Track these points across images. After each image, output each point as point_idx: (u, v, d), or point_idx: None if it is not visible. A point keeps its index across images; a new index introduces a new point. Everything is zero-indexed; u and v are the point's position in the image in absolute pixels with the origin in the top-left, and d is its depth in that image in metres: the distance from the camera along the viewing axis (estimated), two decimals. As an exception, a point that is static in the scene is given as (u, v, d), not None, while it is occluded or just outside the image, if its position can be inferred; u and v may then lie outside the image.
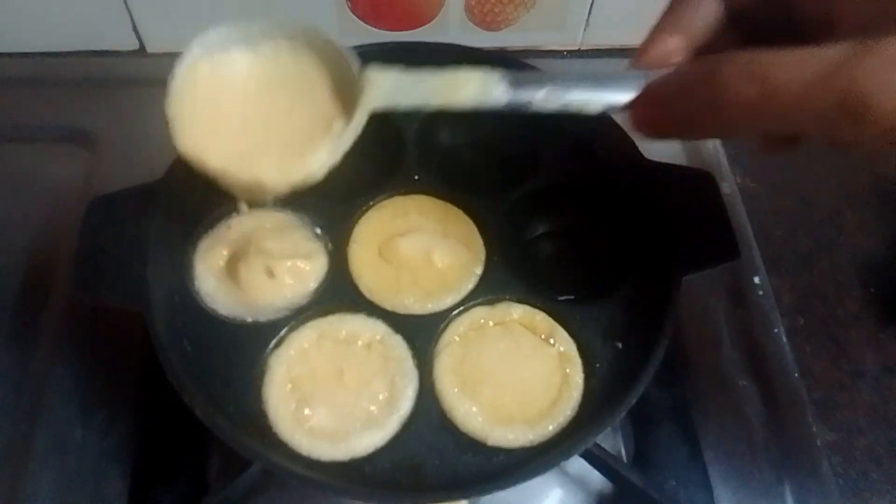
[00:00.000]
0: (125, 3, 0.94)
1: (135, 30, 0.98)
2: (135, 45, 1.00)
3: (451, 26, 1.00)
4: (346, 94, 0.56)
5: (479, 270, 0.71)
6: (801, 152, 0.94)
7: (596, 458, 0.65)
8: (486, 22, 1.01)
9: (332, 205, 0.74)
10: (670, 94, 0.45)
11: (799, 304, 0.84)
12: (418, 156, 0.77)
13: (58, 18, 0.96)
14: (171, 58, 0.98)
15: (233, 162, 0.54)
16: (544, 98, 0.51)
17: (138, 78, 0.96)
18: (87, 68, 0.98)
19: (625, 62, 1.00)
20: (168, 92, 0.55)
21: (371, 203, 0.74)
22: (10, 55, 0.99)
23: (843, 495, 0.73)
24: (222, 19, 0.95)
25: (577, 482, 0.71)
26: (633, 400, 0.60)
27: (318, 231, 0.73)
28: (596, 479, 0.70)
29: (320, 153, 0.54)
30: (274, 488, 0.69)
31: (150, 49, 1.01)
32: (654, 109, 0.46)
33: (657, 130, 0.47)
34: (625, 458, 0.72)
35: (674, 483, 0.69)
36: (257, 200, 0.57)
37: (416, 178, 0.76)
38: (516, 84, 0.52)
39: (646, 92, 0.47)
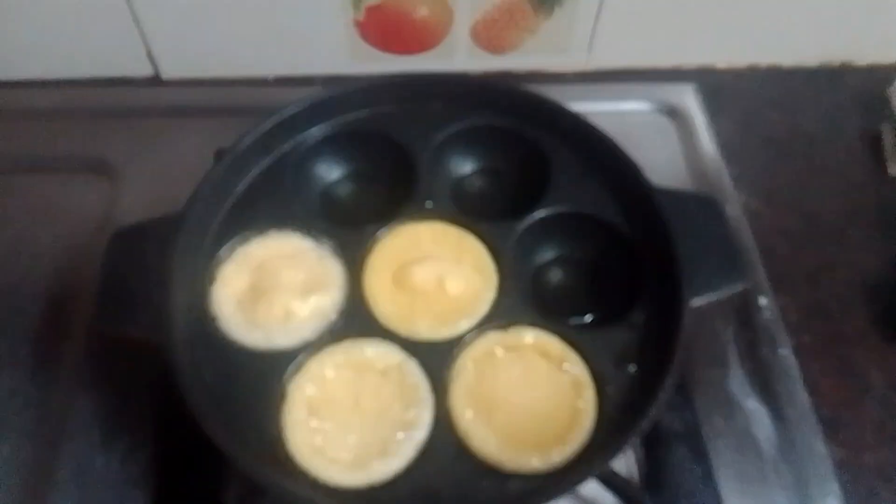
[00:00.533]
0: (139, 29, 0.96)
1: (149, 56, 1.00)
2: (149, 72, 1.02)
3: (457, 50, 1.02)
4: None
5: (491, 296, 0.72)
6: (804, 170, 0.97)
7: (609, 482, 0.66)
8: (492, 46, 1.02)
9: (347, 232, 0.75)
10: None
11: (804, 322, 0.85)
12: (430, 183, 0.78)
13: (72, 46, 0.98)
14: (186, 85, 1.01)
15: None
16: None
17: (156, 107, 0.98)
18: (104, 98, 1.00)
19: (629, 85, 1.02)
20: None
21: (384, 230, 0.75)
22: (24, 84, 1.01)
23: (852, 513, 0.74)
24: (236, 45, 0.98)
25: None
26: (646, 424, 0.61)
27: (335, 256, 0.74)
28: (608, 501, 0.70)
29: None
30: (292, 514, 0.70)
31: (164, 76, 1.02)
32: None
33: None
34: (637, 481, 0.73)
35: (686, 505, 0.70)
36: None
37: (428, 205, 0.77)
38: None
39: None
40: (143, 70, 1.02)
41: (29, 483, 0.71)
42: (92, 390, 0.76)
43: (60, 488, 0.71)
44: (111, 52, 0.99)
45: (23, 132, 0.95)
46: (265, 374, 0.67)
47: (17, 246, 0.86)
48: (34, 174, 0.92)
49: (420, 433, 0.65)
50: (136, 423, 0.74)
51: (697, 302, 0.67)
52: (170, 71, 1.02)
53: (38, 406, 0.75)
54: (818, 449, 0.75)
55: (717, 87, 1.05)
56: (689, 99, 1.02)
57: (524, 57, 1.04)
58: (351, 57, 1.01)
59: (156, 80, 1.02)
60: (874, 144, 1.01)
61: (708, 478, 0.72)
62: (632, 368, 0.68)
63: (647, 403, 0.62)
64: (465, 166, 0.83)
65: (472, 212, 0.78)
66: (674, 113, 1.01)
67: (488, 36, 1.01)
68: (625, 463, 0.73)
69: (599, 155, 0.77)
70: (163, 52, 1.00)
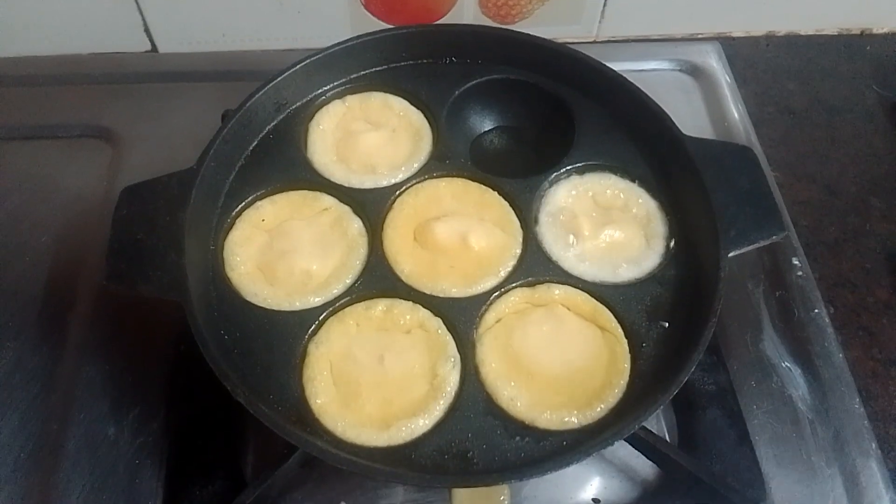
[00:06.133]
0: (138, 6, 0.94)
1: (147, 31, 0.98)
2: (147, 47, 1.00)
3: (464, 20, 0.99)
4: None
5: (517, 252, 0.69)
6: (824, 140, 0.95)
7: (644, 443, 0.63)
8: (501, 15, 1.00)
9: (366, 190, 0.73)
10: None
11: (828, 294, 0.83)
12: (450, 140, 0.76)
13: (69, 22, 0.96)
14: (183, 57, 0.97)
15: None
16: None
17: (155, 73, 0.96)
18: (104, 65, 0.98)
19: (649, 44, 0.98)
20: None
21: (404, 187, 0.73)
22: (30, 58, 0.98)
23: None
24: (233, 19, 0.96)
25: (620, 471, 0.69)
26: (685, 378, 0.59)
27: (355, 215, 0.71)
28: (638, 467, 0.69)
29: None
30: (311, 483, 0.67)
31: (161, 50, 1.00)
32: None
33: None
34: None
35: (722, 467, 0.67)
36: None
37: (448, 161, 0.75)
38: None
39: None
40: (140, 45, 0.99)
41: (38, 454, 0.69)
42: (99, 359, 0.73)
43: (71, 459, 0.68)
44: (109, 28, 0.97)
45: (22, 100, 0.93)
46: (285, 334, 0.64)
47: (19, 214, 0.84)
48: (35, 142, 0.90)
49: (448, 392, 0.62)
50: (147, 392, 0.71)
51: (733, 253, 0.65)
52: (167, 46, 1.00)
53: (45, 377, 0.73)
54: (855, 409, 0.73)
55: (734, 55, 1.03)
56: (712, 58, 1.00)
57: (533, 27, 1.01)
58: (353, 29, 0.98)
59: (153, 54, 1.00)
60: (894, 112, 0.99)
61: (743, 439, 0.69)
62: (665, 324, 0.66)
63: (686, 357, 0.60)
64: (484, 122, 0.81)
65: (494, 167, 0.75)
66: (697, 72, 0.99)
67: (497, 5, 0.99)
68: (656, 426, 0.71)
69: (626, 106, 0.74)
70: (160, 26, 0.97)
